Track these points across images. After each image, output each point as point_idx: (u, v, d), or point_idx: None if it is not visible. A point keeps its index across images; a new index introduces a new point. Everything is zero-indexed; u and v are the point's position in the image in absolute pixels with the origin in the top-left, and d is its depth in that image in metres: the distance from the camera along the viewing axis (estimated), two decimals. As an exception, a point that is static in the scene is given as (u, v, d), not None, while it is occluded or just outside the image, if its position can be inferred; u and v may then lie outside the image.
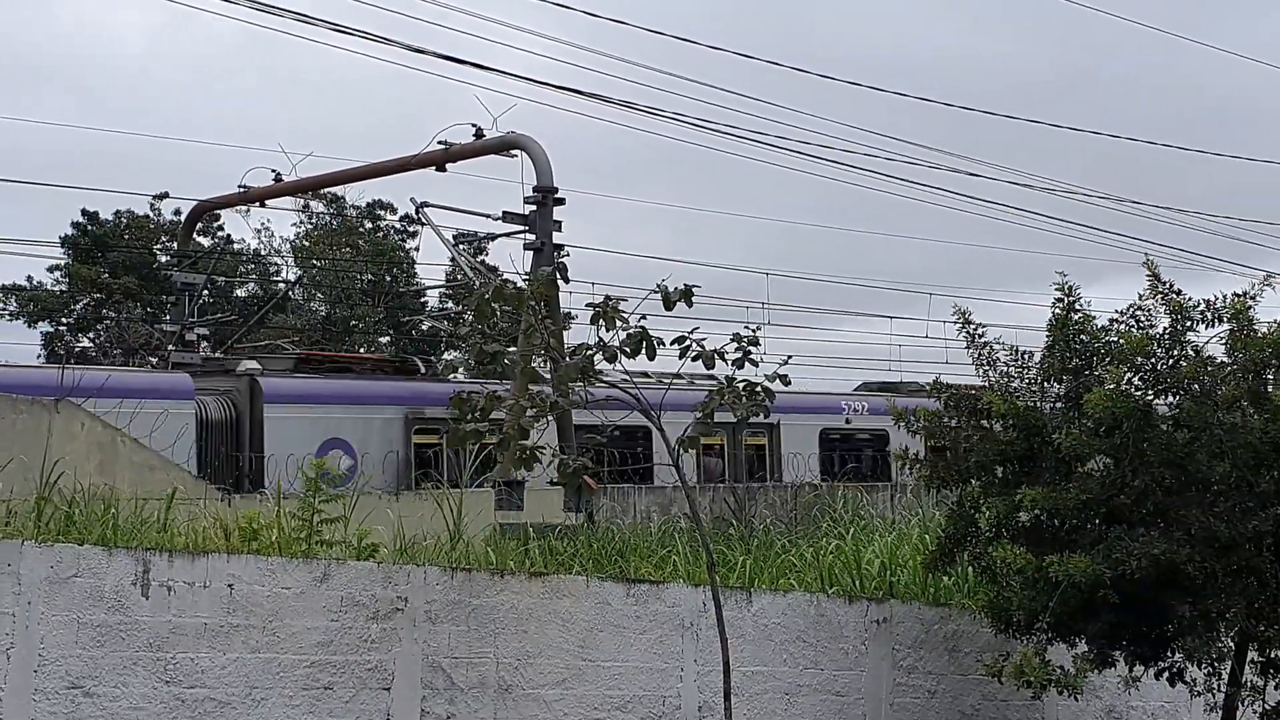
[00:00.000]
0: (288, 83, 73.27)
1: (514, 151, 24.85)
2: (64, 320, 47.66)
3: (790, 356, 11.45)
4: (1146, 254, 11.58)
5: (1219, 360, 11.01)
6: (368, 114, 70.20)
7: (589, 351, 10.30)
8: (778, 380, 10.48)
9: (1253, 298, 11.01)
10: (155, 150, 66.32)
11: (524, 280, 11.29)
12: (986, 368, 11.81)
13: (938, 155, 25.46)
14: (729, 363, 10.56)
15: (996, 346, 11.81)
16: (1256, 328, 10.97)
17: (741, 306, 31.08)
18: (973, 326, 11.85)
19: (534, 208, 24.24)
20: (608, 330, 10.26)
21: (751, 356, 10.58)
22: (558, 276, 11.53)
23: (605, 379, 10.12)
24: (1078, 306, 11.46)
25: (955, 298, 12.63)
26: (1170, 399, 11.00)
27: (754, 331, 10.70)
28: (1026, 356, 11.71)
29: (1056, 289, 11.52)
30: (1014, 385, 11.63)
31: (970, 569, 12.27)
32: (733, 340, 10.56)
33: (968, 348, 11.90)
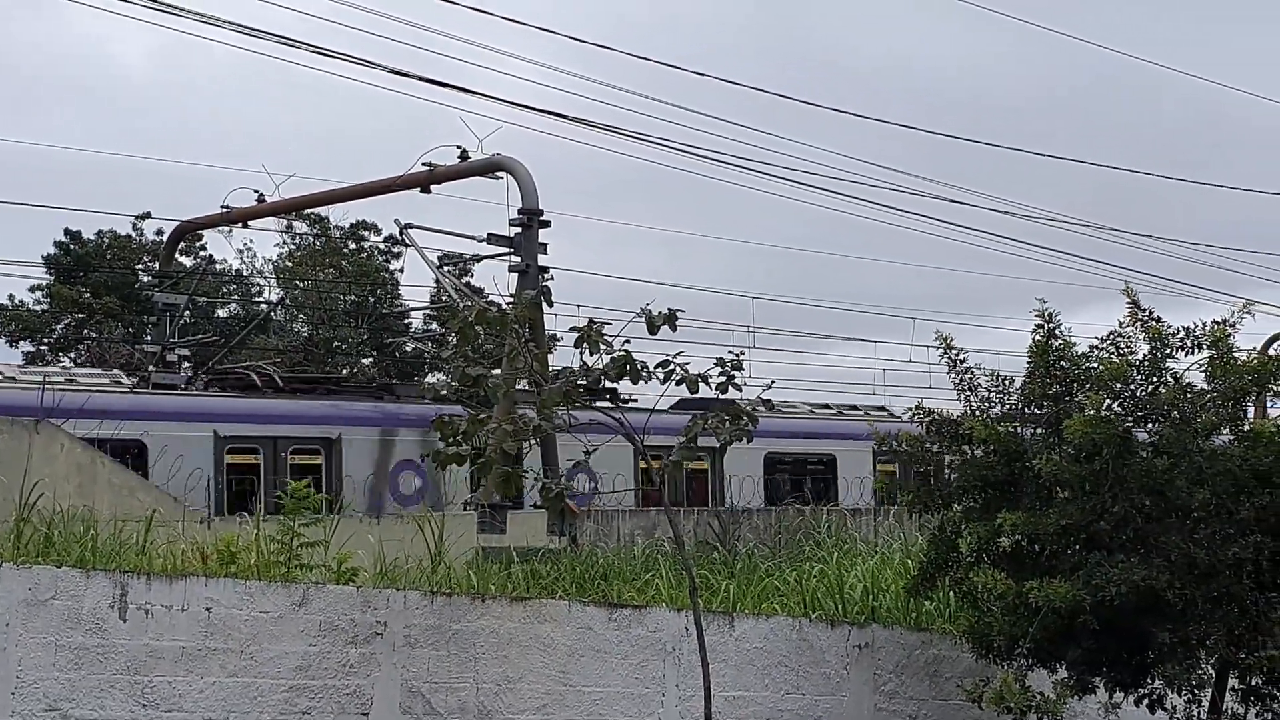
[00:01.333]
0: (270, 104, 73.28)
1: (499, 174, 24.84)
2: (45, 340, 47.48)
3: (774, 381, 11.48)
4: (1126, 281, 11.66)
5: (1199, 387, 11.06)
6: (352, 135, 70.20)
7: (572, 375, 10.30)
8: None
9: (1232, 325, 11.06)
10: (139, 169, 66.23)
11: (508, 303, 11.29)
12: (968, 393, 11.85)
13: (920, 181, 25.48)
14: (713, 387, 10.57)
15: (978, 372, 11.85)
16: (1236, 355, 11.02)
17: (727, 330, 31.00)
18: (954, 352, 11.88)
19: (519, 230, 24.23)
20: (592, 354, 10.27)
21: (735, 381, 10.59)
22: (542, 300, 11.54)
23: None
24: (1058, 333, 11.51)
25: (939, 322, 12.77)
26: (1150, 426, 11.04)
27: (738, 356, 10.71)
28: (1008, 382, 11.75)
29: (1037, 315, 11.58)
30: (995, 411, 11.67)
31: (952, 594, 12.29)
32: (716, 364, 10.57)
33: (949, 373, 11.94)
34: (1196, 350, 11.07)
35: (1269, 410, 11.47)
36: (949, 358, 11.89)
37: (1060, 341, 11.46)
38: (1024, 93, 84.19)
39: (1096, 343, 11.39)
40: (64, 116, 67.44)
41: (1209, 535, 10.59)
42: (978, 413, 11.68)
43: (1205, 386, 11.03)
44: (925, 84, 78.62)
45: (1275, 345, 31.86)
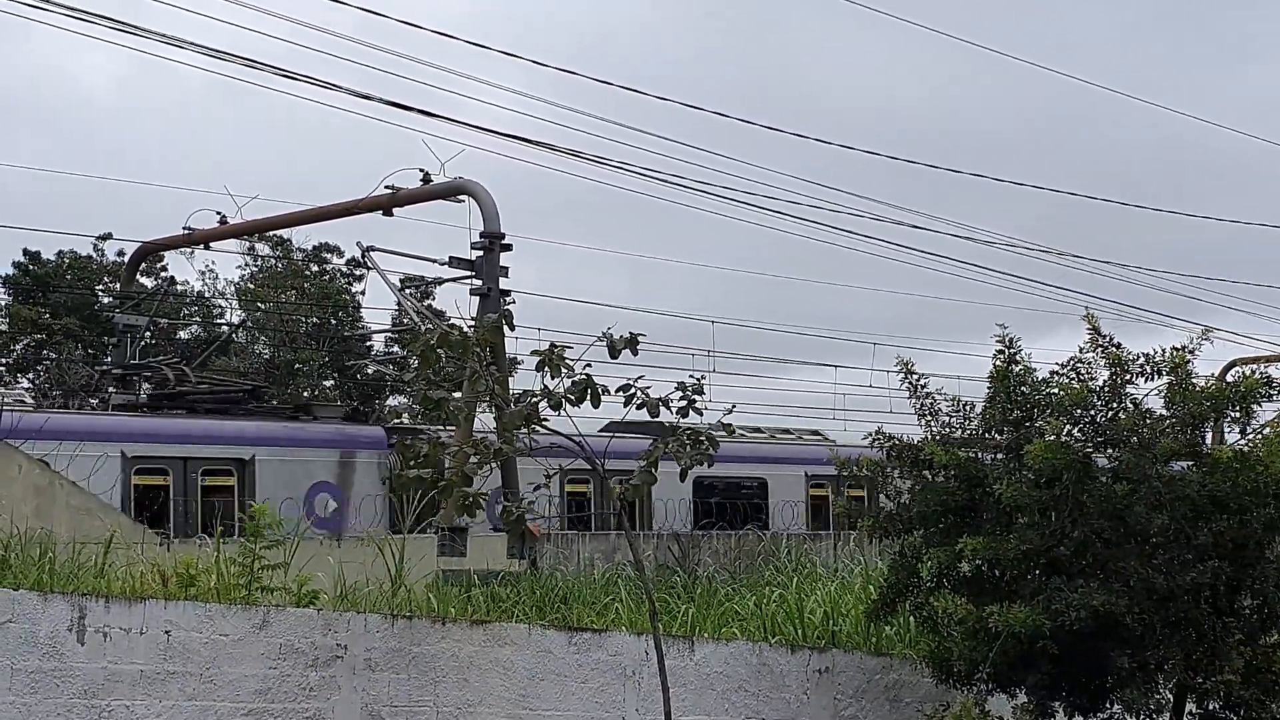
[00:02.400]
0: (233, 126, 72.99)
1: (461, 197, 24.85)
2: (3, 360, 47.06)
3: (734, 405, 11.50)
4: (1088, 307, 11.74)
5: (1158, 413, 11.14)
6: (315, 158, 69.98)
7: (533, 399, 10.29)
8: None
9: (1191, 351, 11.16)
10: (100, 189, 65.91)
11: (470, 326, 11.27)
12: (929, 418, 11.90)
13: (882, 206, 25.55)
14: (674, 411, 10.58)
15: (938, 397, 11.90)
16: (1195, 381, 11.11)
17: (688, 354, 31.01)
18: (915, 377, 11.94)
19: (480, 253, 24.26)
20: (553, 377, 10.26)
21: (696, 405, 10.60)
22: (503, 323, 11.53)
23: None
24: (1019, 358, 11.58)
25: (899, 348, 12.81)
26: (1110, 451, 11.11)
27: (699, 380, 10.72)
28: (968, 407, 11.81)
29: (997, 341, 11.65)
30: (955, 436, 11.72)
31: (912, 619, 12.31)
32: (677, 388, 10.59)
33: (910, 398, 11.99)
34: (1156, 376, 11.16)
35: (1227, 436, 11.54)
36: (909, 383, 11.95)
37: (1021, 367, 11.54)
38: (986, 120, 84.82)
39: (1057, 368, 11.47)
40: (25, 137, 67.01)
41: (1167, 560, 10.67)
42: (938, 438, 11.73)
43: (1164, 412, 11.12)
44: (889, 111, 79.15)
45: (1233, 371, 32.12)
